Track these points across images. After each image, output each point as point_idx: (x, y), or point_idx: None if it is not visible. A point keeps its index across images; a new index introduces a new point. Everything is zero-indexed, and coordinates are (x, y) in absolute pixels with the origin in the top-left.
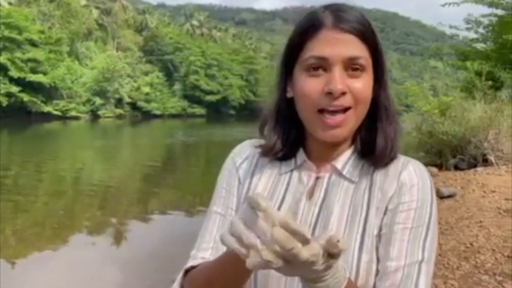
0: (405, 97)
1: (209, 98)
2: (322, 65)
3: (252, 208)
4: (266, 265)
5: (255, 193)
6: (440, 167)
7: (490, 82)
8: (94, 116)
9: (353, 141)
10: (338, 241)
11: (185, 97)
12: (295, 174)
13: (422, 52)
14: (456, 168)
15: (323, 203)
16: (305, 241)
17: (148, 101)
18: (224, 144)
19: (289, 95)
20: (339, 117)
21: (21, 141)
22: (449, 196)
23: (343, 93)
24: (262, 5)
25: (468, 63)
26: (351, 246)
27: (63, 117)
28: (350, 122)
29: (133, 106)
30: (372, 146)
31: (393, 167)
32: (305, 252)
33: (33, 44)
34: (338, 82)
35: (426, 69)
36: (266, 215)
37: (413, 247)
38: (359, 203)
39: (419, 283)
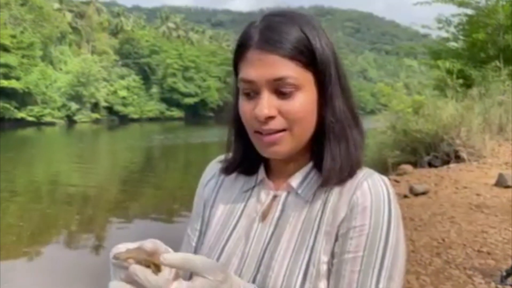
0: (382, 96)
1: (187, 100)
2: (252, 88)
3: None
4: None
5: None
6: (415, 164)
7: (461, 80)
8: (70, 121)
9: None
10: None
11: (163, 100)
12: (255, 192)
13: (397, 51)
14: (430, 165)
15: (277, 224)
16: None
17: (125, 105)
18: (204, 146)
19: None
20: (273, 137)
21: None
22: (423, 193)
23: (271, 117)
24: (238, 6)
25: (440, 62)
26: (295, 274)
27: (38, 123)
28: (286, 141)
29: (110, 110)
30: (321, 165)
31: (349, 185)
32: None
33: (5, 49)
34: (264, 107)
35: (402, 68)
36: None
37: (365, 278)
38: (309, 227)
39: None
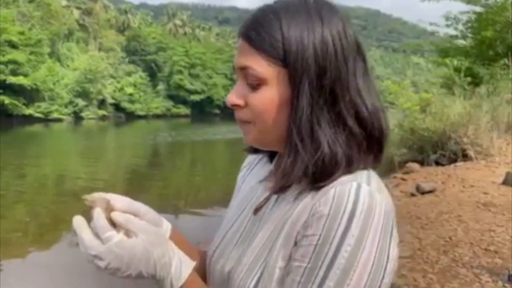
0: (389, 94)
1: (193, 97)
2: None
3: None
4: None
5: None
6: (421, 163)
7: (469, 78)
8: (77, 118)
9: None
10: None
11: (169, 97)
12: (263, 184)
13: (404, 48)
14: (437, 163)
15: (262, 221)
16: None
17: (131, 101)
18: (209, 144)
19: None
20: (242, 126)
21: (2, 145)
22: (430, 191)
23: (238, 106)
24: (244, 3)
25: (447, 60)
26: (251, 275)
27: (45, 120)
28: (251, 133)
29: (117, 107)
30: None
31: (324, 189)
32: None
33: (13, 45)
34: (232, 93)
35: (409, 65)
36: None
37: None
38: (278, 228)
39: None
